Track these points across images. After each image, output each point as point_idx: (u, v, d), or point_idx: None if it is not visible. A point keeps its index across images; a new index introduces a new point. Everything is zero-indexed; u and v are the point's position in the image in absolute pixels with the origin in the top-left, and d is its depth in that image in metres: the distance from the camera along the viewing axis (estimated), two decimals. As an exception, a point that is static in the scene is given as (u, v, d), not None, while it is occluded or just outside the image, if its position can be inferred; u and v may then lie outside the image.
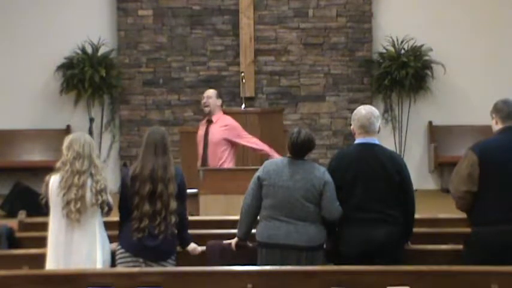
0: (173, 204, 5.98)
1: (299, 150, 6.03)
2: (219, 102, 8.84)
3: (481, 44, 12.15)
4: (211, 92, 8.89)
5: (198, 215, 7.94)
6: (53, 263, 5.89)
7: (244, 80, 10.63)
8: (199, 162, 8.87)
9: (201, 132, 8.89)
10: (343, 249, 5.96)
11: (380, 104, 12.08)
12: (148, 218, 5.95)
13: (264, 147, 8.65)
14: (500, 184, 5.80)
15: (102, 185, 5.93)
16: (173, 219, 5.98)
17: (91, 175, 5.93)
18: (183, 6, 12.22)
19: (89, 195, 5.90)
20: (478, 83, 12.07)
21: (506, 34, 12.17)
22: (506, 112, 5.99)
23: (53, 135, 11.82)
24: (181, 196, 6.08)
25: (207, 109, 8.83)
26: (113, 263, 6.03)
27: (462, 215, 6.20)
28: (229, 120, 8.81)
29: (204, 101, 8.87)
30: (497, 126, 6.03)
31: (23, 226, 6.91)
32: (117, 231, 6.13)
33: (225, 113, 8.94)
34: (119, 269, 5.91)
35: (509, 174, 5.81)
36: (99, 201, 5.91)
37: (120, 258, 6.00)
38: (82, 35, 11.97)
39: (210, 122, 8.81)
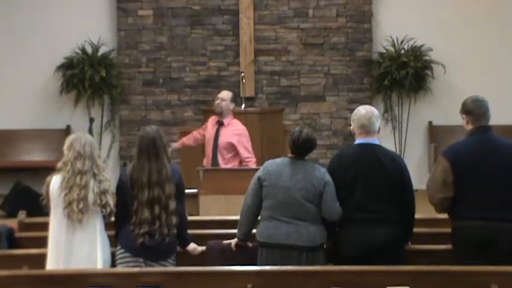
0: (172, 205, 5.96)
1: (300, 149, 6.03)
2: (232, 105, 8.79)
3: (481, 44, 12.13)
4: (225, 95, 8.81)
5: (198, 215, 7.94)
6: (53, 263, 5.89)
7: (244, 80, 10.62)
8: (205, 161, 8.85)
9: (210, 132, 8.82)
10: (343, 250, 5.96)
11: (380, 104, 12.06)
12: (147, 224, 5.92)
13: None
14: (477, 187, 5.80)
15: (106, 185, 5.93)
16: (174, 219, 5.97)
17: (94, 175, 5.92)
18: (183, 6, 12.21)
19: (91, 195, 5.89)
20: (478, 83, 12.02)
21: (507, 34, 12.16)
22: (477, 113, 5.98)
23: (53, 135, 11.83)
24: (179, 196, 6.06)
25: (218, 109, 8.77)
26: (113, 264, 6.03)
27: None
28: (240, 127, 8.76)
29: (217, 102, 8.78)
30: (468, 126, 6.02)
31: (23, 226, 6.90)
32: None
33: (234, 116, 8.90)
34: (119, 269, 5.91)
35: (483, 176, 5.80)
36: (103, 202, 5.90)
37: (120, 258, 5.99)
38: (82, 35, 11.96)
39: (221, 124, 8.78)
